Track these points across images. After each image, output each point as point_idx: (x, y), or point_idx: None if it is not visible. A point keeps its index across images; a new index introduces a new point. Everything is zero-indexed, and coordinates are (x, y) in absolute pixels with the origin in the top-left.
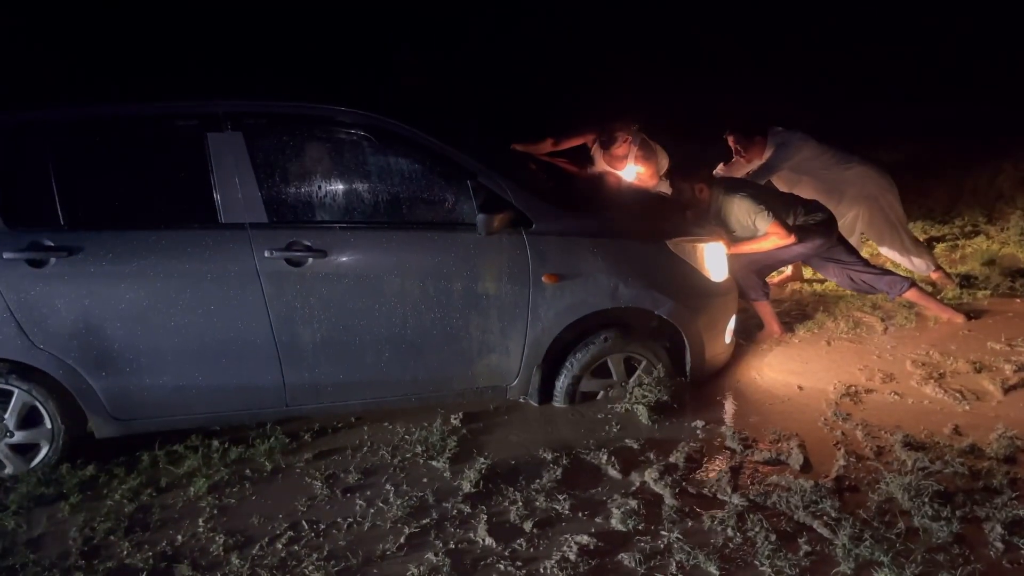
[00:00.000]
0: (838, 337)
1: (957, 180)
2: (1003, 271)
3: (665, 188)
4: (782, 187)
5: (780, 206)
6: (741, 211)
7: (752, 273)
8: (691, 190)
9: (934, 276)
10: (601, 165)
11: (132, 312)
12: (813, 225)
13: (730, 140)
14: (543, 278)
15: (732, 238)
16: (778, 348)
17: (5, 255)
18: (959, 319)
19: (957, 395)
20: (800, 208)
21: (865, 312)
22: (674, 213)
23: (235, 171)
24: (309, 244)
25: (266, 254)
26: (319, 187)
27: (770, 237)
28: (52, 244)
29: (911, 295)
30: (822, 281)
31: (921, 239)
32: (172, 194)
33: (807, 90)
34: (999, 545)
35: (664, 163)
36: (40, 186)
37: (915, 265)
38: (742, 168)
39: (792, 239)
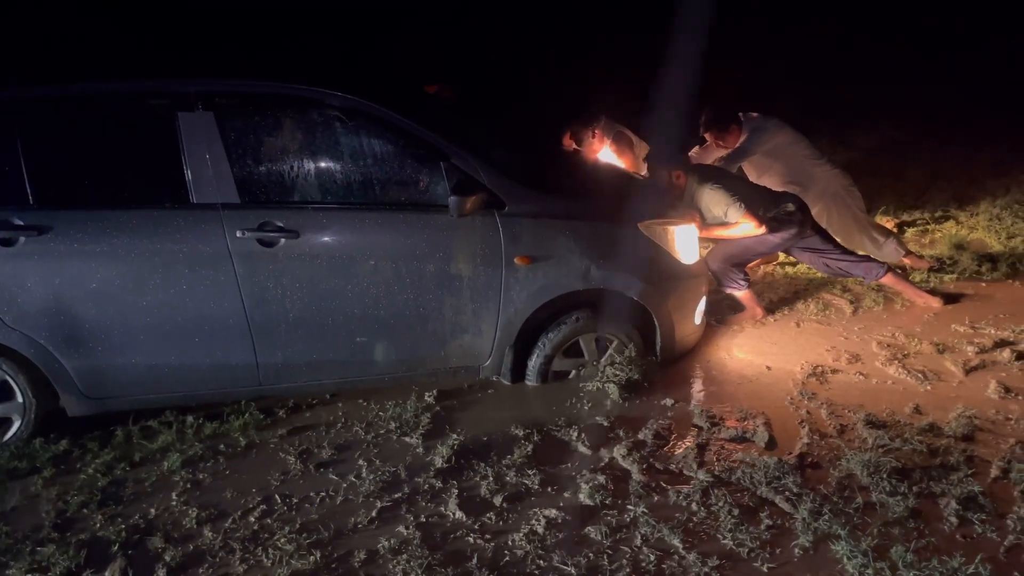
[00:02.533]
0: (807, 319)
1: (931, 164)
2: (971, 255)
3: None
4: (753, 172)
5: (753, 197)
6: (713, 201)
7: (731, 267)
8: (668, 176)
9: (905, 261)
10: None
11: (103, 292)
12: (785, 216)
13: (708, 136)
14: (515, 259)
15: (704, 224)
16: (749, 329)
17: None
18: (935, 303)
19: (919, 375)
20: (771, 200)
21: (835, 295)
22: (646, 196)
23: (207, 151)
24: (281, 225)
25: (238, 234)
26: (292, 167)
27: (741, 225)
28: (21, 223)
29: (887, 280)
30: (794, 264)
31: (892, 223)
32: (143, 173)
33: (791, 71)
34: (953, 520)
35: (641, 151)
36: (9, 164)
37: (885, 254)
38: (717, 152)
39: (763, 229)
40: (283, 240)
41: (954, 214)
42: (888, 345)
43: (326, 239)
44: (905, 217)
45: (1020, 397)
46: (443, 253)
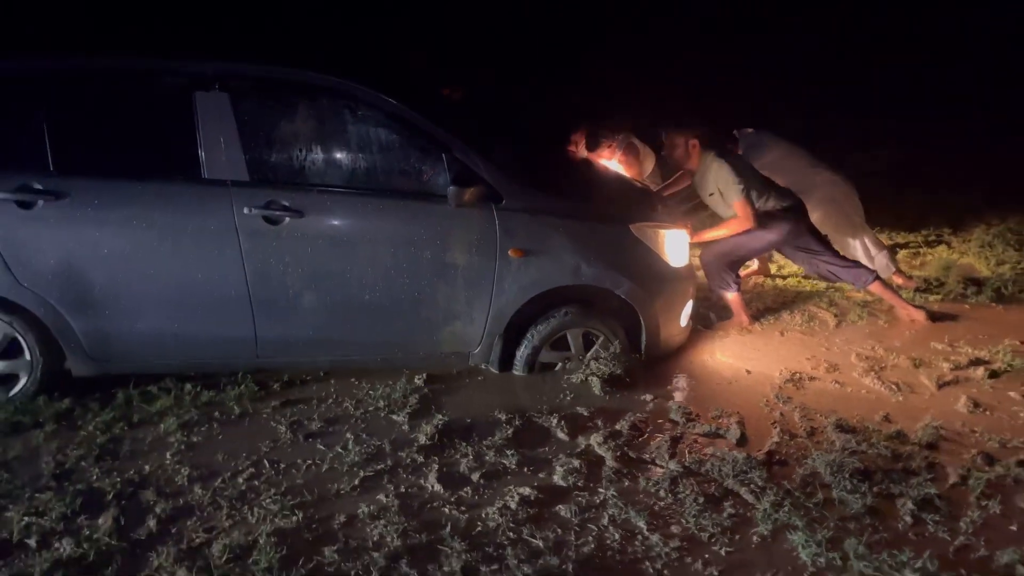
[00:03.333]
0: (792, 329)
1: (930, 190)
2: (958, 278)
3: (651, 184)
4: None
5: (757, 186)
6: (719, 177)
7: (724, 266)
8: (684, 144)
9: (895, 278)
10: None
11: (114, 258)
12: (781, 211)
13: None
14: (509, 252)
15: (697, 223)
16: (734, 335)
17: None
18: (919, 316)
19: (893, 387)
20: (773, 193)
21: (821, 307)
22: (641, 199)
23: (220, 130)
24: (287, 204)
25: (245, 211)
26: (300, 150)
27: (730, 223)
28: (40, 187)
29: (875, 287)
30: (784, 276)
31: (886, 243)
32: (158, 147)
33: (795, 93)
34: (908, 519)
35: (649, 165)
36: (32, 132)
37: (877, 265)
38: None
39: (750, 224)
40: (288, 219)
41: (947, 239)
42: (867, 357)
43: (329, 221)
44: (899, 239)
45: (988, 412)
46: (440, 241)
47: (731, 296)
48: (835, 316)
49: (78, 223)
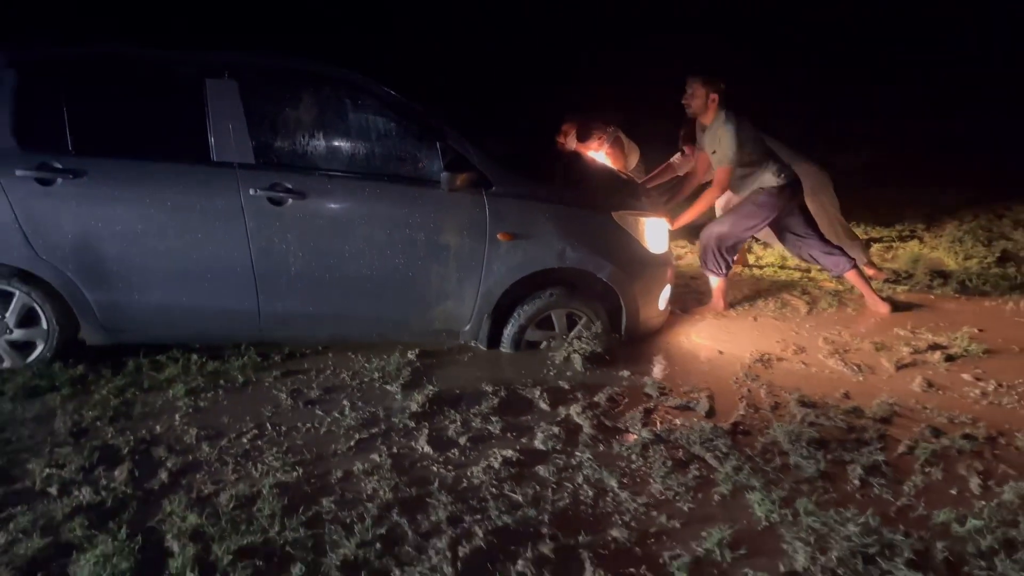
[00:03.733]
0: (765, 315)
1: (907, 189)
2: (925, 271)
3: (635, 176)
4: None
5: (755, 157)
6: (721, 138)
7: (721, 249)
8: (705, 96)
9: (866, 269)
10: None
11: (127, 234)
12: (776, 189)
13: (682, 133)
14: (498, 235)
15: (675, 209)
16: (710, 320)
17: (17, 172)
18: (884, 309)
19: (855, 368)
20: (773, 168)
21: (794, 296)
22: (624, 189)
23: (229, 115)
24: (290, 186)
25: (251, 192)
26: (304, 136)
27: (704, 196)
28: (60, 166)
29: (850, 275)
30: (761, 267)
31: (861, 237)
32: (170, 131)
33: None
34: (856, 482)
35: (634, 158)
36: (53, 114)
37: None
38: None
39: (721, 191)
40: (291, 200)
41: (920, 234)
42: (833, 341)
43: (329, 203)
44: (874, 234)
45: (941, 392)
46: (433, 224)
47: (718, 280)
48: (807, 304)
49: (94, 200)
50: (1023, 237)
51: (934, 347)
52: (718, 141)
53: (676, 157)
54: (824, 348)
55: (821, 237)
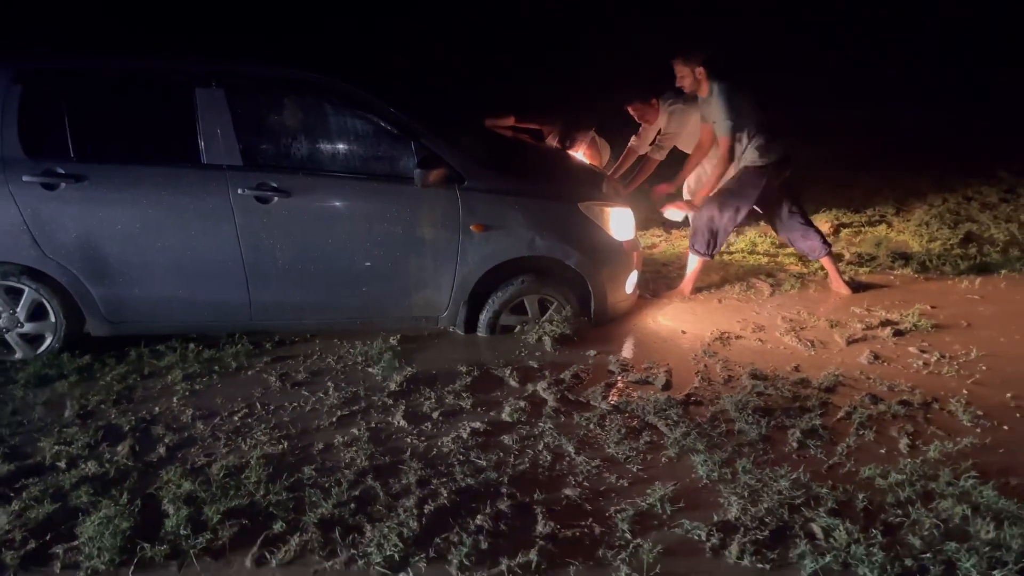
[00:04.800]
0: (729, 297)
1: (881, 175)
2: (888, 253)
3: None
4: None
5: (750, 126)
6: (716, 108)
7: (708, 230)
8: (692, 73)
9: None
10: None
11: (126, 233)
12: (758, 168)
13: (631, 110)
14: (471, 227)
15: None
16: (676, 303)
17: (24, 178)
18: (845, 291)
19: (808, 343)
20: (763, 142)
21: (759, 279)
22: (589, 181)
23: (217, 121)
24: (276, 185)
25: (239, 191)
26: (287, 138)
27: (717, 168)
28: (63, 172)
29: (825, 261)
30: (731, 253)
31: (831, 225)
32: (164, 136)
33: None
34: (794, 444)
35: (606, 155)
36: (55, 123)
37: None
38: (650, 133)
39: (729, 162)
40: (276, 199)
41: (890, 219)
42: (791, 320)
43: (312, 200)
44: (844, 219)
45: (886, 364)
46: (410, 218)
47: (696, 262)
48: (771, 286)
49: (95, 202)
50: (988, 219)
51: (885, 323)
52: (714, 111)
53: (633, 140)
54: (782, 326)
55: (803, 221)
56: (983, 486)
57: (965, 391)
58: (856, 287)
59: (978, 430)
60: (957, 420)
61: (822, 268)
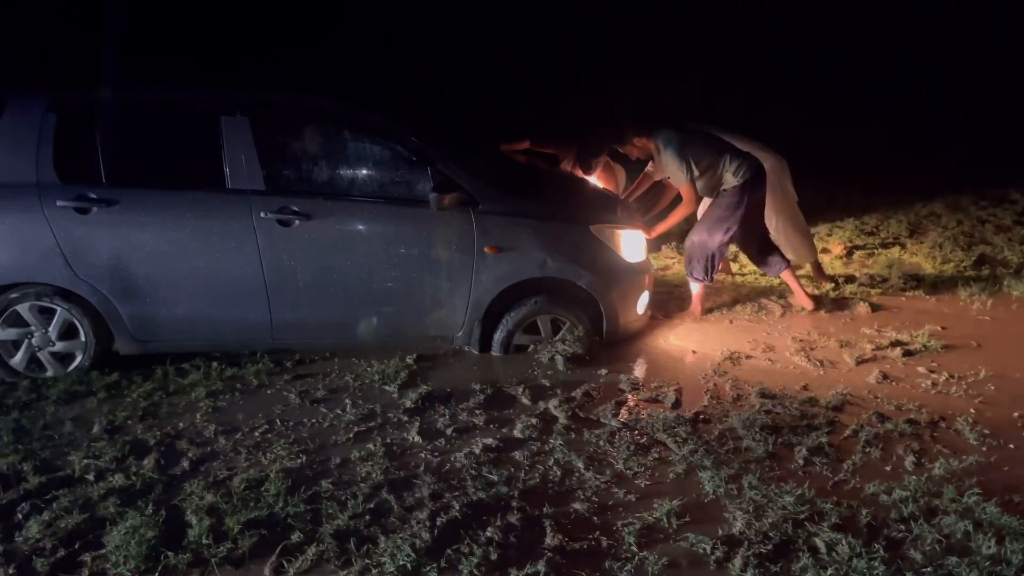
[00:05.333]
0: (740, 318)
1: (896, 197)
2: (900, 275)
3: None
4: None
5: (709, 161)
6: (666, 163)
7: (703, 255)
8: (632, 145)
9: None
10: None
11: (154, 254)
12: (739, 187)
13: (636, 144)
14: (485, 249)
15: (650, 222)
16: (688, 324)
17: (58, 203)
18: (809, 305)
19: (817, 363)
20: (732, 165)
21: (771, 300)
22: (601, 204)
23: (241, 148)
24: (297, 209)
25: (262, 215)
26: (308, 163)
27: (678, 211)
28: (95, 196)
29: (785, 275)
30: (744, 274)
31: (843, 247)
32: (190, 163)
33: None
34: (800, 461)
35: (621, 179)
36: (88, 151)
37: (789, 244)
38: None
39: (693, 207)
40: (297, 222)
41: (903, 241)
42: (802, 340)
43: (332, 223)
44: (858, 241)
45: (894, 383)
46: (426, 240)
47: (698, 287)
48: (782, 307)
49: (125, 226)
50: (1002, 241)
51: (895, 343)
52: (666, 167)
53: (649, 165)
54: (792, 346)
55: (763, 238)
56: (986, 503)
57: (972, 410)
58: (818, 306)
59: (984, 448)
60: (963, 438)
61: (835, 288)
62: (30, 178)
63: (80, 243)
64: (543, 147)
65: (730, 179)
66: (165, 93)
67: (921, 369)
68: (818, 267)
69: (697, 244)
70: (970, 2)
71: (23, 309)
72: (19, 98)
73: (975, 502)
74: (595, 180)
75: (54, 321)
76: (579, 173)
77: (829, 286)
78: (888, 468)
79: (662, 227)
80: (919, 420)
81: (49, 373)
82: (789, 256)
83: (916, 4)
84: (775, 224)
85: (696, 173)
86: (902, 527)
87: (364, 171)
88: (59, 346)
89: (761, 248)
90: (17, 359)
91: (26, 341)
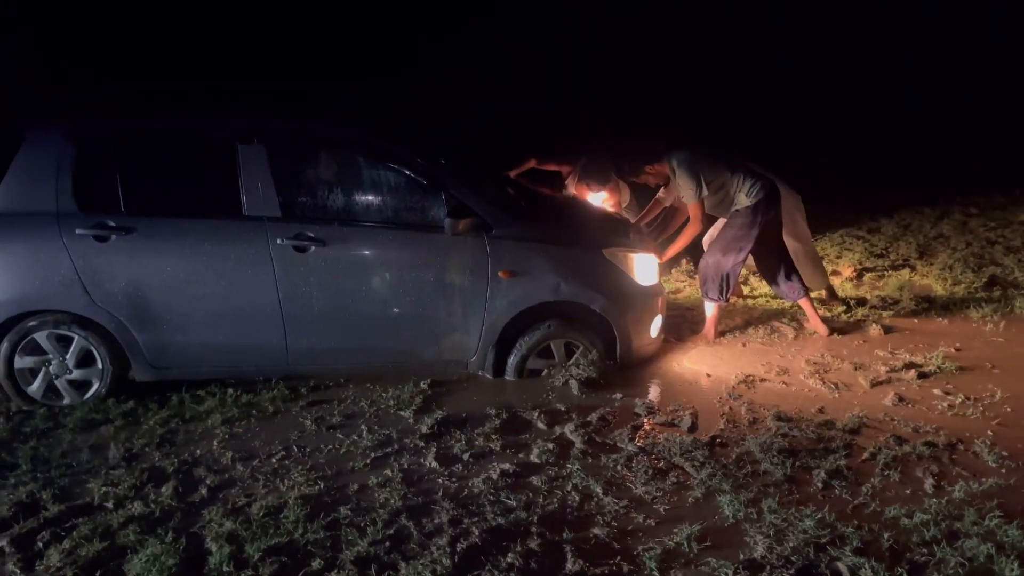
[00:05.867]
0: (754, 341)
1: (905, 219)
2: (911, 297)
3: (630, 213)
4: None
5: (722, 180)
6: (681, 182)
7: (718, 275)
8: (648, 174)
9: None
10: (571, 189)
11: (172, 282)
12: (751, 207)
13: (649, 174)
14: (499, 273)
15: (660, 246)
16: (701, 347)
17: (77, 231)
18: (823, 331)
19: (832, 386)
20: (745, 184)
21: (783, 323)
22: (613, 228)
23: (258, 175)
24: (312, 235)
25: (278, 241)
26: (323, 190)
27: (686, 231)
28: (114, 224)
29: (802, 302)
30: (755, 297)
31: (853, 269)
32: (208, 190)
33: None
34: (819, 484)
35: (626, 196)
36: (107, 179)
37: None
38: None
39: (700, 227)
40: (313, 248)
41: (913, 263)
42: (815, 363)
43: (347, 249)
44: (868, 264)
45: (910, 405)
46: (440, 265)
47: (712, 308)
48: (794, 330)
49: (143, 253)
50: (1012, 262)
51: (910, 366)
52: (680, 186)
53: (660, 191)
54: (806, 369)
55: (785, 262)
56: (1008, 525)
57: (990, 432)
58: (832, 331)
59: (1003, 471)
60: (982, 461)
61: (846, 311)
62: (49, 207)
63: (98, 271)
64: (547, 164)
65: (743, 199)
66: (182, 122)
67: (936, 391)
68: (831, 291)
69: (711, 265)
70: (976, 23)
71: (41, 337)
72: (39, 128)
73: (996, 524)
74: (603, 195)
75: (71, 349)
76: (584, 189)
77: (841, 308)
78: (908, 491)
79: (672, 250)
80: (937, 442)
81: (66, 401)
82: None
83: (923, 27)
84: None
85: (706, 192)
86: (924, 551)
87: (379, 197)
88: (76, 374)
89: (782, 271)
90: (35, 387)
91: (44, 369)
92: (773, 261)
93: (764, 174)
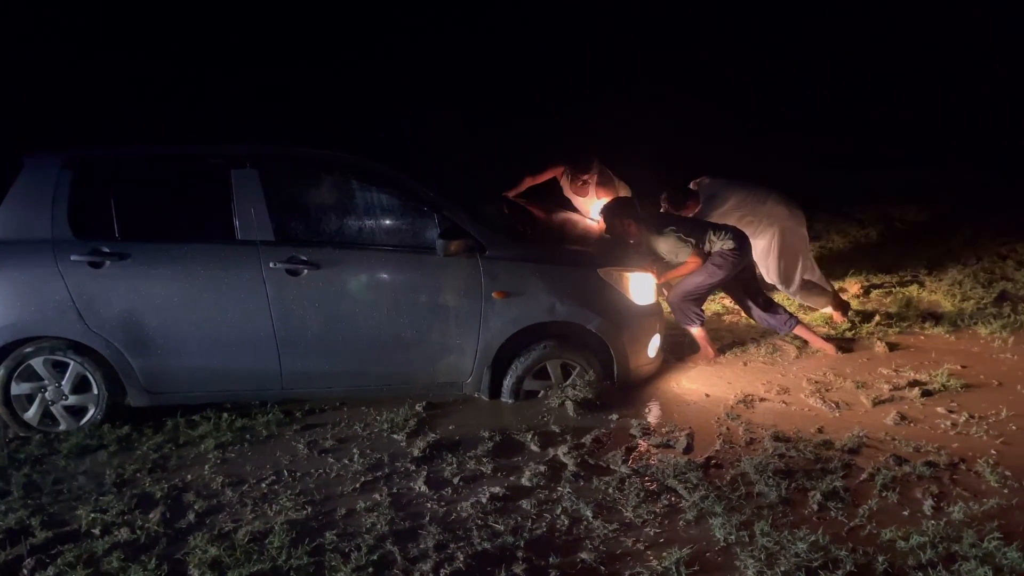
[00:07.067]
0: (755, 360)
1: (912, 235)
2: (918, 313)
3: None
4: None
5: (700, 234)
6: (669, 244)
7: (689, 303)
8: (621, 225)
9: (835, 314)
10: (568, 193)
11: (165, 306)
12: (730, 251)
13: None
14: (493, 294)
15: (661, 266)
16: (701, 366)
17: (72, 257)
18: (831, 350)
19: (833, 405)
20: (721, 235)
21: (785, 341)
22: (609, 247)
23: (251, 200)
24: (305, 259)
25: (271, 265)
26: (316, 214)
27: (687, 263)
28: (108, 250)
29: (798, 330)
30: None
31: (860, 286)
32: (201, 215)
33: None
34: (814, 506)
35: (623, 193)
36: (101, 206)
37: (813, 300)
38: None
39: (701, 262)
40: (306, 271)
41: (922, 278)
42: (817, 381)
43: (340, 272)
44: (876, 280)
45: (913, 424)
46: (434, 287)
47: (696, 331)
48: (797, 348)
49: (137, 279)
50: (1023, 277)
51: (913, 384)
52: (673, 248)
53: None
54: (807, 388)
55: (765, 299)
56: (1007, 547)
57: (993, 451)
58: (839, 348)
59: (1005, 491)
60: (984, 481)
61: (849, 329)
62: (45, 234)
63: (93, 297)
64: (540, 177)
65: (727, 243)
66: (176, 149)
67: (940, 409)
68: (838, 300)
69: (680, 295)
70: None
71: (37, 363)
72: (36, 157)
73: (996, 547)
74: (594, 195)
75: (67, 375)
76: (575, 189)
77: (846, 325)
78: (905, 513)
79: (671, 272)
80: (938, 462)
81: (62, 427)
82: (808, 303)
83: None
84: (802, 264)
85: (693, 241)
86: (920, 574)
87: (371, 220)
88: (72, 399)
89: (764, 307)
90: (31, 413)
91: (40, 395)
92: (753, 300)
93: (730, 225)
